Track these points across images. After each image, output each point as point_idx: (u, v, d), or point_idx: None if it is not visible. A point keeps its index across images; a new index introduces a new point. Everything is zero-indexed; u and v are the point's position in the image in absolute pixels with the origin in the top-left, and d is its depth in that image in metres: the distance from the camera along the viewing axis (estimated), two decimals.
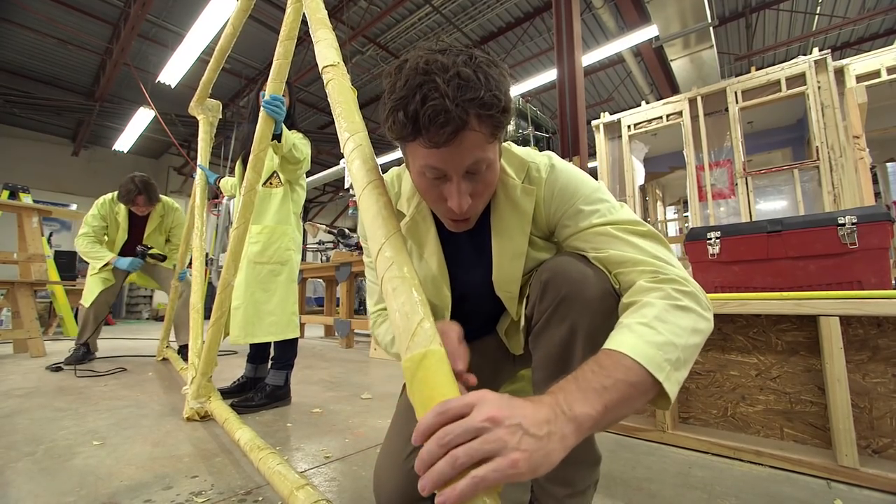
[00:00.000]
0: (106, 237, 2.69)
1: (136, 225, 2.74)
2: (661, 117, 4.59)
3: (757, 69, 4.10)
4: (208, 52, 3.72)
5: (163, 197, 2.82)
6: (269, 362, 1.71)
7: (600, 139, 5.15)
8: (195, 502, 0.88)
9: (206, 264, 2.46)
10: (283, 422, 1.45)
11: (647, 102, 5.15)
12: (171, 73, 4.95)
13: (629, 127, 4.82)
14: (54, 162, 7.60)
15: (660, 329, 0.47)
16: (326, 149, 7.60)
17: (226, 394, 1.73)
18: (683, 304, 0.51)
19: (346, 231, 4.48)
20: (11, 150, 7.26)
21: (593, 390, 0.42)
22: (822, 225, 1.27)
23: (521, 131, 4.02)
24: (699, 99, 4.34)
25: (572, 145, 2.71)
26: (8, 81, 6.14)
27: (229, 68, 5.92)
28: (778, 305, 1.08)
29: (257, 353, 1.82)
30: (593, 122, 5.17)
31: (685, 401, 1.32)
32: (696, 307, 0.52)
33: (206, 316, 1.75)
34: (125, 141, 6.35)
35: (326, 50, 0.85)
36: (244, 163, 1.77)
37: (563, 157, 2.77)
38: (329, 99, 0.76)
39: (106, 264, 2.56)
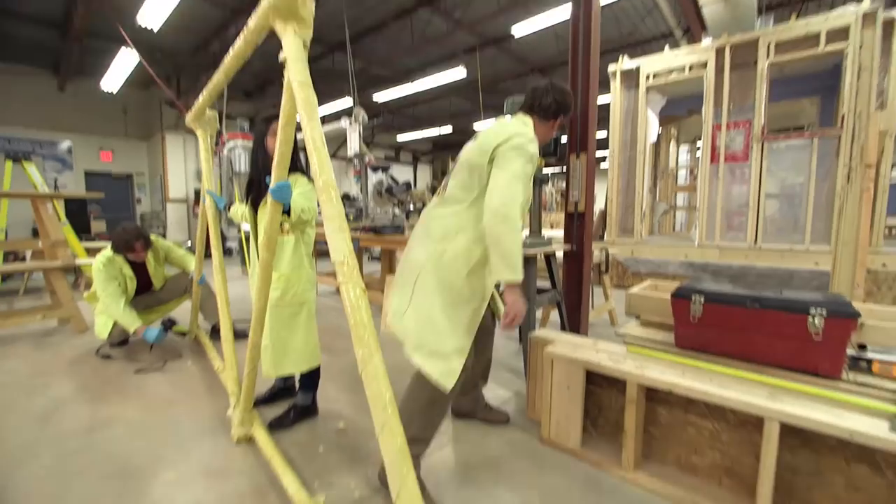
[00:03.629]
0: (123, 293, 2.70)
1: (139, 270, 2.82)
2: (683, 67, 4.25)
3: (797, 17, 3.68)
4: None
5: None
6: (297, 384, 1.97)
7: (616, 87, 4.82)
8: None
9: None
10: (314, 444, 1.75)
11: (675, 37, 4.67)
12: (153, 13, 4.45)
13: (648, 77, 4.47)
14: (41, 97, 7.24)
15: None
16: (321, 88, 7.10)
17: (260, 402, 2.04)
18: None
19: (351, 195, 4.50)
20: None
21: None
22: (796, 311, 1.38)
23: None
24: (727, 49, 3.98)
25: (580, 140, 2.62)
26: None
27: None
28: (734, 402, 1.26)
29: None
30: (610, 68, 4.78)
31: (648, 442, 1.58)
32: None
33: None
34: (111, 81, 5.98)
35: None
36: (254, 206, 1.82)
37: (571, 151, 2.69)
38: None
39: (134, 332, 2.62)
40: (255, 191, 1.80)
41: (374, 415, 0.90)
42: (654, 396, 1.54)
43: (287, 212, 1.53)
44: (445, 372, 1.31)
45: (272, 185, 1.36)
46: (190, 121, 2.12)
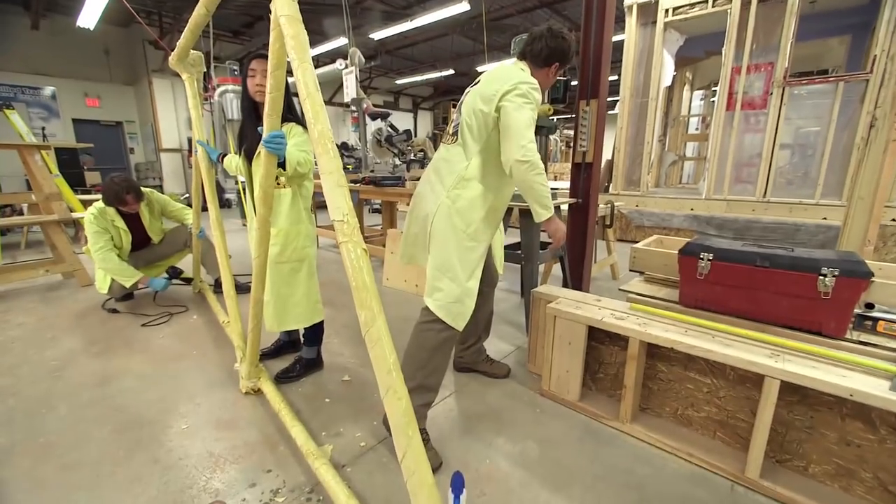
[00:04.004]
0: (115, 247, 2.67)
1: (133, 222, 2.75)
2: (707, 1, 3.90)
3: None
4: None
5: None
6: (302, 338, 1.99)
7: (631, 23, 4.47)
8: (276, 502, 1.25)
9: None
10: (321, 396, 1.80)
11: None
12: None
13: (667, 11, 4.13)
14: (14, 37, 6.76)
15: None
16: (312, 27, 6.59)
17: (266, 355, 2.08)
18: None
19: (349, 145, 4.33)
20: None
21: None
22: (806, 270, 1.35)
23: None
24: None
25: (592, 85, 2.44)
26: None
27: None
28: (737, 361, 1.27)
29: None
30: (626, 1, 4.40)
31: (646, 396, 1.62)
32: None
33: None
34: (88, 17, 5.53)
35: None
36: (247, 157, 1.73)
37: (580, 97, 2.52)
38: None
39: (135, 284, 2.62)
40: (248, 141, 1.70)
41: (378, 378, 0.90)
42: (654, 353, 1.56)
43: (282, 164, 1.45)
44: (458, 314, 1.42)
45: (265, 135, 1.27)
46: (173, 62, 1.97)
